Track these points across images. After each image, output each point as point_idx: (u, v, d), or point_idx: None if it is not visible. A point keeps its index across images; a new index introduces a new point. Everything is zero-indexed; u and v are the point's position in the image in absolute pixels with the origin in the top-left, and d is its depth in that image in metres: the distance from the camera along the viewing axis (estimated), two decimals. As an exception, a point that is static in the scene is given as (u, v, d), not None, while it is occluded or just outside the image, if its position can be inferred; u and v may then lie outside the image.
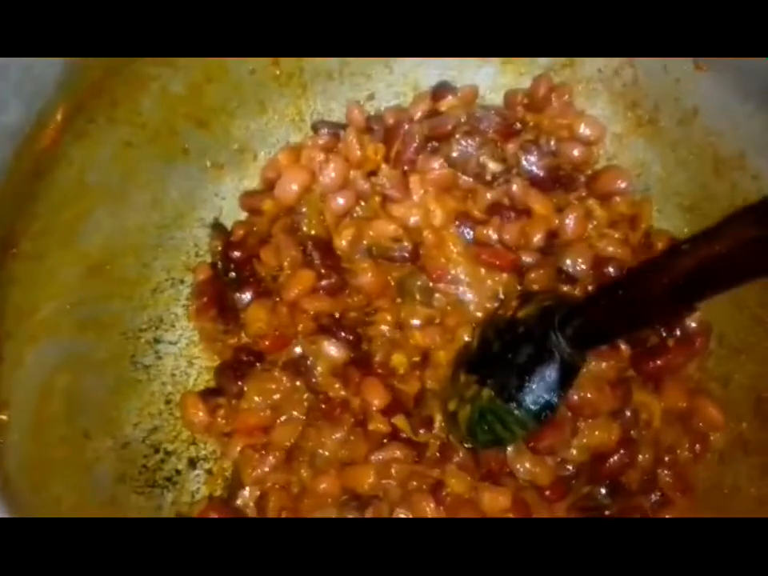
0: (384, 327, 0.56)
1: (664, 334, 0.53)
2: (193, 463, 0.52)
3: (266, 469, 0.51)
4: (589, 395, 0.49)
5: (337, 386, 0.54)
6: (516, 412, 0.46)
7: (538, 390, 0.46)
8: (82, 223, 0.49)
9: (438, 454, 0.53)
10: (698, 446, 0.50)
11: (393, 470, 0.51)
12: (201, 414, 0.52)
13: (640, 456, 0.51)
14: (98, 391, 0.49)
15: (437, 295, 0.57)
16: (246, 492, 0.51)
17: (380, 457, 0.51)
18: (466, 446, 0.51)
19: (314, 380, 0.54)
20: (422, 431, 0.52)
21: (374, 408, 0.53)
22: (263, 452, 0.52)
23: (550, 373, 0.46)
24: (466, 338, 0.54)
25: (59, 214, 0.47)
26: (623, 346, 0.52)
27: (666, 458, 0.51)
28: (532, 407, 0.46)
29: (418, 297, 0.57)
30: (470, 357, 0.52)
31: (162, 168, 0.54)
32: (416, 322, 0.56)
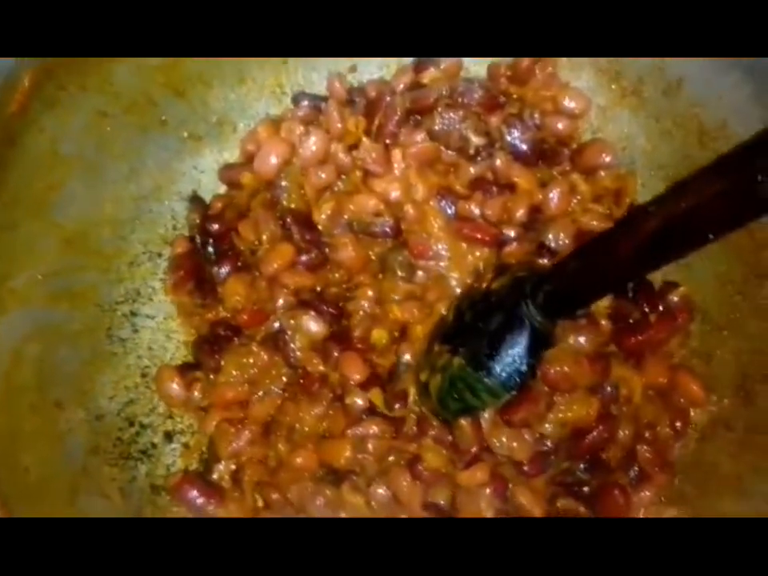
0: (364, 302, 0.55)
1: (646, 309, 0.52)
2: (169, 436, 0.52)
3: (243, 443, 0.51)
4: (566, 369, 0.48)
5: (315, 360, 0.53)
6: (486, 380, 0.46)
7: (507, 358, 0.46)
8: (56, 193, 0.48)
9: (414, 428, 0.52)
10: (678, 422, 0.50)
11: (370, 445, 0.51)
12: (178, 387, 0.52)
13: (620, 432, 0.50)
14: (72, 363, 0.49)
15: (419, 271, 0.57)
16: (222, 466, 0.50)
17: (357, 431, 0.51)
18: (437, 417, 0.51)
19: (292, 355, 0.53)
20: (396, 406, 0.52)
21: (353, 382, 0.52)
22: (240, 426, 0.51)
23: (520, 341, 0.46)
24: (443, 312, 0.54)
25: (31, 184, 0.46)
26: (603, 321, 0.51)
27: (647, 434, 0.50)
28: (501, 374, 0.46)
29: (399, 272, 0.56)
30: (445, 329, 0.52)
31: (139, 139, 0.53)
32: (396, 297, 0.55)
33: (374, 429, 0.51)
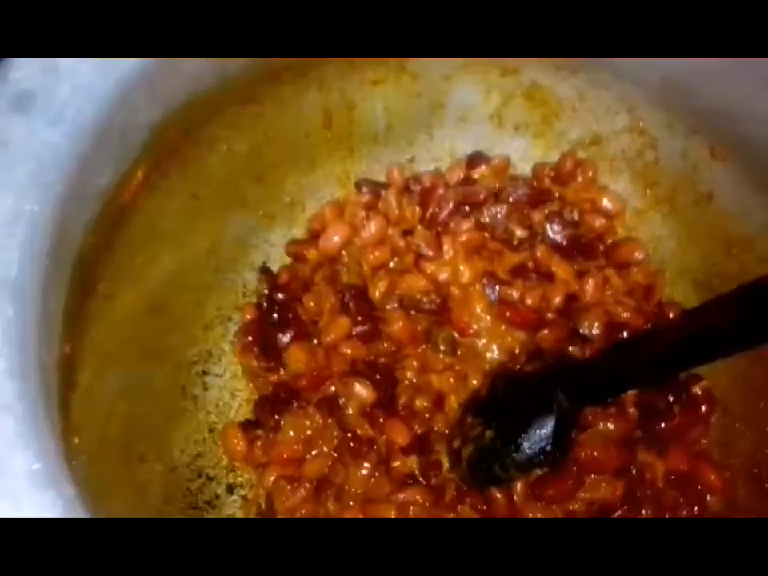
0: (409, 372, 0.61)
1: (671, 400, 0.57)
2: (231, 489, 0.57)
3: (297, 500, 0.56)
4: (595, 453, 0.53)
5: (365, 425, 0.59)
6: (513, 454, 0.52)
7: (534, 437, 0.51)
8: (150, 266, 0.54)
9: (454, 494, 0.57)
10: (696, 507, 0.54)
11: (411, 511, 0.56)
12: (240, 443, 0.57)
13: (643, 512, 0.55)
14: (152, 418, 0.54)
15: (459, 346, 0.62)
16: (278, 519, 0.55)
17: (400, 497, 0.56)
18: (468, 485, 0.56)
19: (344, 419, 0.59)
20: (432, 474, 0.57)
21: (397, 446, 0.57)
22: (295, 483, 0.56)
23: (547, 423, 0.51)
24: (474, 383, 0.59)
25: (132, 259, 0.52)
26: (631, 409, 0.57)
27: (667, 515, 0.54)
28: (527, 451, 0.52)
29: (441, 346, 0.62)
30: (478, 402, 0.58)
31: (222, 217, 0.60)
32: (438, 367, 0.61)
33: (416, 497, 0.56)
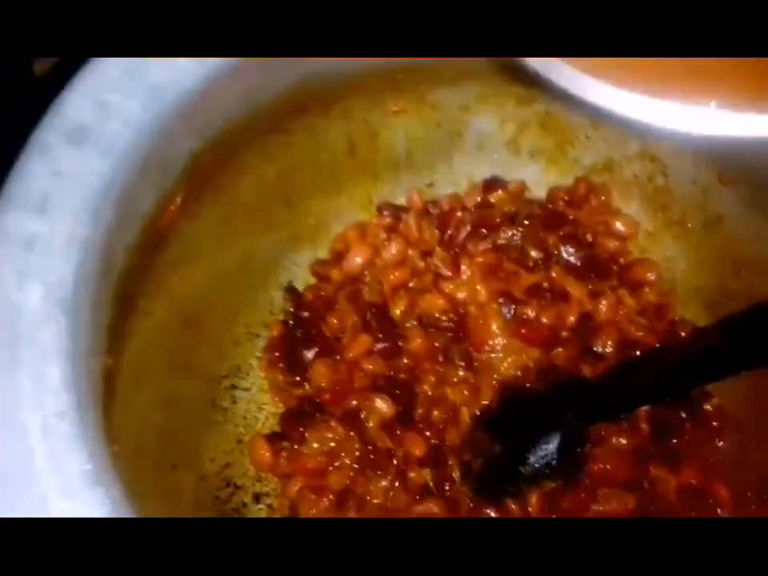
0: (426, 386, 0.63)
1: (683, 416, 0.59)
2: (257, 498, 0.60)
3: (320, 508, 0.58)
4: (608, 466, 0.55)
5: (386, 438, 0.61)
6: (520, 468, 0.54)
7: (540, 452, 0.54)
8: (184, 284, 0.58)
9: (471, 505, 0.59)
10: (708, 521, 0.56)
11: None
12: (266, 454, 0.60)
13: (654, 526, 0.56)
14: (184, 429, 0.57)
15: (474, 363, 0.65)
16: (302, 528, 0.58)
17: (417, 509, 0.58)
18: (478, 497, 0.58)
19: (365, 432, 0.62)
20: (446, 486, 0.59)
21: (414, 458, 0.60)
22: (319, 494, 0.59)
23: (553, 439, 0.54)
24: (487, 397, 0.62)
25: (169, 279, 0.56)
26: (643, 425, 0.58)
27: (679, 530, 0.56)
28: (534, 466, 0.54)
29: (457, 361, 0.64)
30: (489, 416, 0.60)
31: (251, 239, 0.63)
32: (454, 380, 0.63)
33: (431, 508, 0.58)
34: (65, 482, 0.32)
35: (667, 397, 0.55)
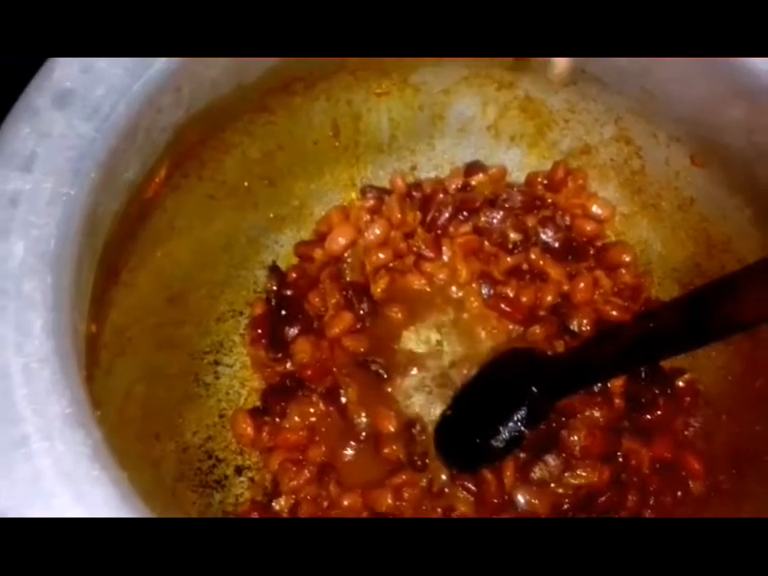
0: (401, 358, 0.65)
1: (656, 392, 0.61)
2: (239, 471, 0.60)
3: (301, 481, 0.59)
4: (582, 438, 0.57)
5: (363, 413, 0.62)
6: (491, 441, 0.57)
7: (510, 423, 0.57)
8: (168, 260, 0.59)
9: (444, 478, 0.60)
10: (679, 492, 0.57)
11: (405, 494, 0.59)
12: (249, 429, 0.61)
13: (629, 497, 0.57)
14: (167, 402, 0.58)
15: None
16: (282, 500, 0.59)
17: (394, 481, 0.59)
18: (450, 468, 0.60)
19: (343, 407, 0.63)
20: (416, 459, 0.60)
21: (386, 432, 0.61)
22: (300, 466, 0.60)
23: (521, 412, 0.57)
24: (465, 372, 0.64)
25: (152, 251, 0.57)
26: (617, 400, 0.60)
27: (651, 501, 0.57)
28: (503, 435, 0.57)
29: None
30: (462, 388, 0.62)
31: (236, 218, 0.64)
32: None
33: (407, 479, 0.59)
34: (46, 423, 0.33)
35: (623, 371, 0.58)
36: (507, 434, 0.56)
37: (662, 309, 0.52)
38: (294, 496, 0.59)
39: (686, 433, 0.60)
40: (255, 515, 0.57)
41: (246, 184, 0.64)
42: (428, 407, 0.63)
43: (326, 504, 0.59)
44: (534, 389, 0.57)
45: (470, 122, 0.69)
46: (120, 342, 0.54)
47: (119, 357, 0.54)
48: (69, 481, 0.32)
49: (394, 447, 0.61)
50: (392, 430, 0.62)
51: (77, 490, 0.32)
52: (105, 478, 0.32)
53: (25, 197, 0.38)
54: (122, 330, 0.55)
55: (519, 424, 0.56)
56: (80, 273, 0.42)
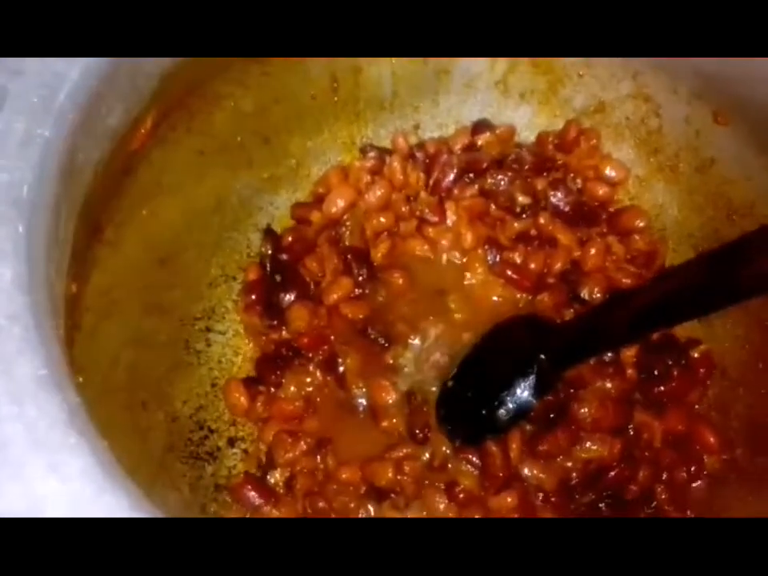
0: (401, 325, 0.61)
1: (670, 363, 0.58)
2: (232, 442, 0.57)
3: (297, 453, 0.56)
4: (592, 410, 0.54)
5: (361, 384, 0.59)
6: (497, 410, 0.54)
7: (517, 393, 0.54)
8: (155, 219, 0.55)
9: (448, 452, 0.57)
10: (693, 467, 0.55)
11: (407, 467, 0.56)
12: (242, 398, 0.58)
13: (640, 472, 0.55)
14: (156, 369, 0.55)
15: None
16: (278, 473, 0.56)
17: (394, 455, 0.56)
18: (453, 441, 0.57)
19: (341, 377, 0.60)
20: (417, 431, 0.57)
21: (385, 404, 0.58)
22: (295, 438, 0.57)
23: (528, 381, 0.54)
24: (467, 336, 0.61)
25: (138, 209, 0.53)
26: (630, 371, 0.57)
27: (664, 476, 0.55)
28: (510, 405, 0.54)
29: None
30: (467, 357, 0.59)
31: (228, 176, 0.60)
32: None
33: (408, 453, 0.57)
34: (15, 385, 0.29)
35: (634, 338, 0.54)
36: (514, 404, 0.53)
37: (683, 266, 0.48)
38: (289, 469, 0.56)
39: (700, 406, 0.57)
40: (249, 488, 0.54)
41: (238, 139, 0.60)
42: (429, 378, 0.60)
43: (322, 477, 0.56)
44: (541, 356, 0.53)
45: (477, 77, 0.65)
46: (104, 304, 0.51)
47: (104, 320, 0.50)
48: (42, 449, 0.29)
49: (394, 420, 0.58)
50: (390, 401, 0.59)
51: (50, 459, 0.29)
52: (83, 446, 0.29)
53: (-6, 138, 0.35)
54: (106, 291, 0.51)
55: (526, 393, 0.53)
56: (57, 225, 0.38)
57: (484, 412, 0.54)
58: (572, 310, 0.59)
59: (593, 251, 0.62)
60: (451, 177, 0.64)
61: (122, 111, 0.45)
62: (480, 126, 0.66)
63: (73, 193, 0.41)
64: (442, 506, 0.55)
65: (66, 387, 0.31)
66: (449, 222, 0.64)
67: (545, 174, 0.64)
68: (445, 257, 0.64)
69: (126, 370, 0.52)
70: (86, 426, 0.31)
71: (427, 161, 0.65)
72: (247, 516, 0.54)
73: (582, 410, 0.54)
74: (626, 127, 0.63)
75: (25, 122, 0.35)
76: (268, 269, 0.63)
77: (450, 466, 0.56)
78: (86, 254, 0.47)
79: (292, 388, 0.59)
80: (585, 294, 0.60)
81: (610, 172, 0.64)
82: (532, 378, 0.53)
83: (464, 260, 0.63)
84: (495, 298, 0.62)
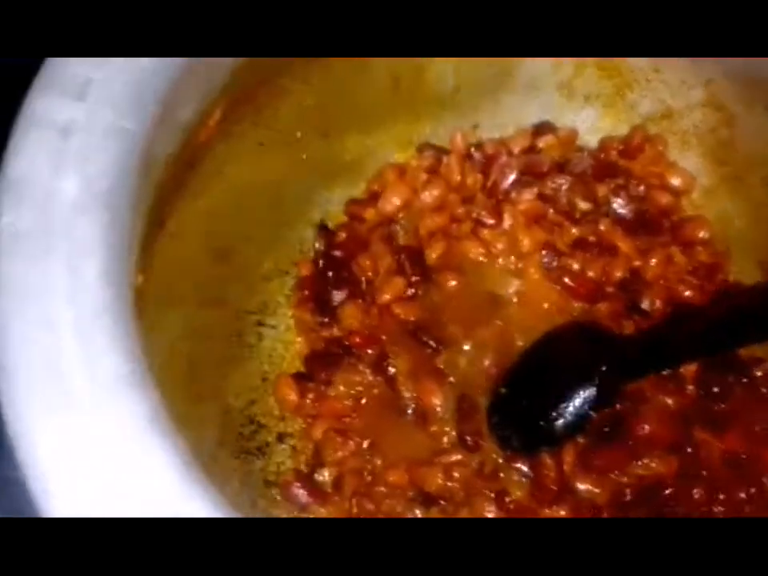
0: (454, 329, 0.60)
1: (731, 380, 0.56)
2: (281, 438, 0.57)
3: (346, 453, 0.56)
4: (650, 426, 0.53)
5: (410, 386, 0.59)
6: (553, 421, 0.53)
7: (577, 405, 0.53)
8: (215, 212, 0.55)
9: (500, 461, 0.56)
10: (752, 489, 0.53)
11: (456, 474, 0.55)
12: (292, 394, 0.58)
13: (695, 491, 0.54)
14: (211, 361, 0.55)
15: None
16: (326, 471, 0.56)
17: (444, 460, 0.56)
18: (505, 449, 0.56)
19: (391, 378, 0.59)
20: (468, 438, 0.56)
21: (434, 408, 0.57)
22: (344, 437, 0.57)
23: (588, 393, 0.53)
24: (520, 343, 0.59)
25: (199, 201, 0.53)
26: (690, 387, 0.56)
27: (721, 496, 0.53)
28: (569, 418, 0.53)
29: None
30: (516, 366, 0.58)
31: (285, 170, 0.60)
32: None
33: (458, 458, 0.56)
34: (99, 385, 0.29)
35: (709, 354, 0.53)
36: (573, 417, 0.52)
37: (749, 290, 0.48)
38: (337, 468, 0.56)
39: (761, 426, 0.56)
40: (298, 485, 0.54)
41: (298, 134, 0.59)
42: (480, 383, 0.59)
43: (369, 479, 0.56)
44: (603, 368, 0.52)
45: (540, 78, 0.63)
46: (165, 295, 0.51)
47: (164, 312, 0.50)
48: (126, 447, 0.29)
49: (443, 425, 0.57)
50: (439, 405, 0.58)
51: (135, 458, 0.28)
52: (166, 445, 0.29)
53: (78, 128, 0.34)
54: (167, 283, 0.51)
55: (586, 406, 0.52)
56: (133, 217, 0.38)
57: (542, 423, 0.53)
58: (631, 321, 0.58)
59: (654, 261, 0.60)
60: (510, 179, 0.63)
61: (196, 103, 0.45)
62: (541, 129, 0.65)
63: (146, 185, 0.41)
64: (490, 516, 0.54)
65: (146, 385, 0.31)
66: (505, 225, 0.63)
67: (607, 179, 0.63)
68: (500, 260, 0.63)
69: (183, 361, 0.52)
70: (166, 424, 0.31)
71: (485, 162, 0.64)
72: (294, 514, 0.54)
73: (642, 426, 0.53)
74: (693, 135, 0.61)
75: (109, 113, 0.35)
76: (321, 265, 0.63)
77: (501, 474, 0.55)
78: (152, 246, 0.47)
79: (342, 387, 0.58)
80: (645, 304, 0.59)
81: (674, 180, 0.62)
82: (593, 390, 0.52)
83: (519, 265, 0.62)
84: (550, 305, 0.61)
